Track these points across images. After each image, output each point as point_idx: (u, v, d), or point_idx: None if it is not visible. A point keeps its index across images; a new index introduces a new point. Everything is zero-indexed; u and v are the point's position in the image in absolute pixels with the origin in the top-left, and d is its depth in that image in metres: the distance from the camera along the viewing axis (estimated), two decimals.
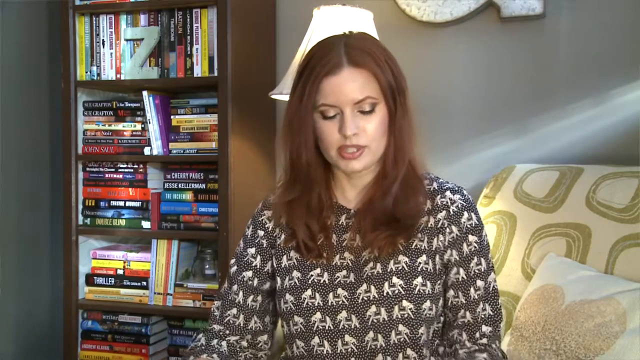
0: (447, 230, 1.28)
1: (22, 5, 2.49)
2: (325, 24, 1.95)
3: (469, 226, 1.28)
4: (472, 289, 1.28)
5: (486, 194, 1.94)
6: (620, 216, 1.68)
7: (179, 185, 2.27)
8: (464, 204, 1.30)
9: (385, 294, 1.24)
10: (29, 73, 2.54)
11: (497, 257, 1.82)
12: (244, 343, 1.36)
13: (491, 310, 1.28)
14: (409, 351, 1.24)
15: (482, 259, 1.29)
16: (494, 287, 1.30)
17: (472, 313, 1.28)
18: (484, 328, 1.28)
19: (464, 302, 1.28)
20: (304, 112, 1.25)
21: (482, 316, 1.28)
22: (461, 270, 1.28)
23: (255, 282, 1.36)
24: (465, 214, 1.29)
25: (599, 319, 1.48)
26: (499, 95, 2.17)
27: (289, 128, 1.28)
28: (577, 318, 1.50)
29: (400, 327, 1.23)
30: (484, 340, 1.27)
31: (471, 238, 1.28)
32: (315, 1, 2.04)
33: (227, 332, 1.35)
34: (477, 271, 1.28)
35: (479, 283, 1.28)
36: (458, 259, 1.28)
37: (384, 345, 1.24)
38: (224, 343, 1.34)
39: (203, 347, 1.33)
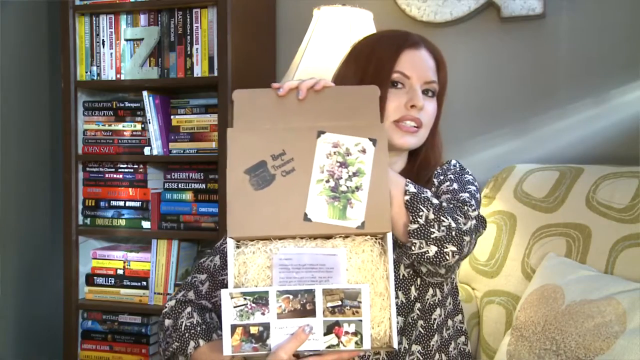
0: (435, 182, 1.29)
1: (22, 5, 2.49)
2: (325, 24, 1.95)
3: (446, 169, 1.30)
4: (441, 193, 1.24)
5: (486, 194, 1.94)
6: (620, 216, 1.68)
7: (179, 185, 2.27)
8: (449, 165, 1.33)
9: (401, 277, 1.24)
10: (29, 73, 2.54)
11: (497, 257, 1.82)
12: None
13: (458, 187, 1.23)
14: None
15: (455, 184, 1.24)
16: (463, 197, 1.19)
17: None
18: (443, 197, 1.21)
19: None
20: (384, 77, 1.25)
21: (444, 190, 1.23)
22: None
23: None
24: (451, 169, 1.31)
25: (599, 319, 1.48)
26: (499, 95, 2.17)
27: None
28: (577, 318, 1.50)
29: (418, 305, 1.24)
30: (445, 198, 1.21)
31: (450, 175, 1.28)
32: (315, 1, 2.04)
33: (214, 309, 1.30)
34: (444, 189, 1.23)
35: (447, 184, 1.24)
36: (435, 191, 1.26)
37: (402, 324, 1.24)
38: (215, 315, 1.29)
39: (204, 327, 1.24)
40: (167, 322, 1.27)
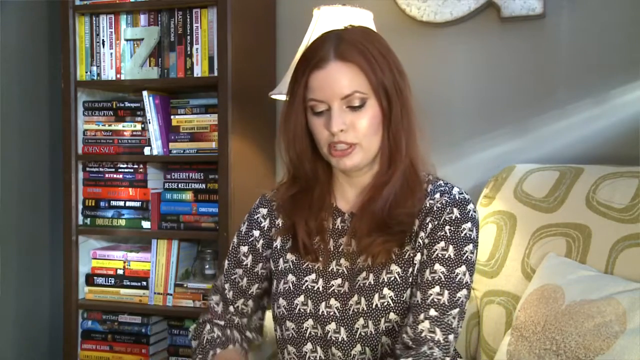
0: (429, 226, 1.23)
1: (22, 5, 2.49)
2: (325, 24, 1.95)
3: (447, 219, 1.22)
4: (427, 270, 1.20)
5: (486, 194, 1.94)
6: (620, 216, 1.68)
7: (179, 185, 2.27)
8: (449, 200, 1.24)
9: (374, 307, 1.22)
10: (29, 73, 2.54)
11: (497, 257, 1.82)
12: (244, 337, 1.39)
13: (448, 298, 1.18)
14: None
15: (450, 246, 1.20)
16: (460, 279, 1.19)
17: (423, 294, 1.19)
18: (432, 312, 1.17)
19: (418, 281, 1.21)
20: (293, 107, 1.25)
21: (434, 300, 1.18)
22: (425, 251, 1.22)
23: (245, 282, 1.36)
24: (447, 210, 1.23)
25: (599, 319, 1.48)
26: (499, 95, 2.17)
27: (282, 124, 1.28)
28: (577, 318, 1.50)
29: (384, 339, 1.22)
30: (426, 324, 1.17)
31: (446, 228, 1.22)
32: (315, 1, 2.04)
33: (231, 326, 1.37)
34: (440, 255, 1.20)
35: (438, 267, 1.19)
36: (427, 242, 1.22)
37: (371, 357, 1.22)
38: (235, 332, 1.37)
39: (223, 339, 1.34)
40: (194, 343, 1.37)
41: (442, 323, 1.17)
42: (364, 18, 1.99)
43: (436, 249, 1.21)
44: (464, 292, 1.20)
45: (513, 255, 1.79)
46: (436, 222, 1.23)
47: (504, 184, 1.92)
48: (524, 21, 2.12)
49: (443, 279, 1.19)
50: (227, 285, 1.37)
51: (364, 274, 1.24)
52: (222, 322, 1.37)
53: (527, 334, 1.57)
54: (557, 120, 2.11)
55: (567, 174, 1.84)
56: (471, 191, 2.07)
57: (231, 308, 1.37)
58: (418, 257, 1.23)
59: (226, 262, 1.39)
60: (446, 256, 1.20)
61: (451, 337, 1.18)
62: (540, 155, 2.10)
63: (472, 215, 1.24)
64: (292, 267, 1.30)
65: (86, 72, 2.31)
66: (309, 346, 1.25)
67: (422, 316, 1.18)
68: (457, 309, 1.19)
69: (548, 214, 1.79)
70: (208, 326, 1.37)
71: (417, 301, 1.19)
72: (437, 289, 1.18)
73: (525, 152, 2.13)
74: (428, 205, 1.25)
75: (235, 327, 1.37)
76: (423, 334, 1.17)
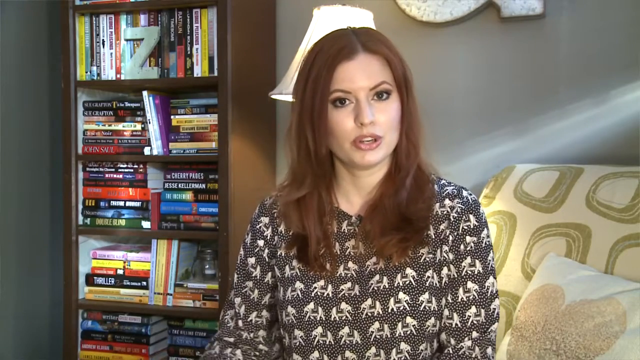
0: (450, 238, 1.24)
1: (22, 5, 2.49)
2: (325, 24, 1.95)
3: (465, 228, 1.23)
4: (460, 290, 1.23)
5: (486, 194, 1.94)
6: (620, 216, 1.68)
7: (179, 185, 2.27)
8: (463, 207, 1.25)
9: (390, 311, 1.20)
10: (29, 73, 2.54)
11: (497, 257, 1.82)
12: (256, 352, 1.35)
13: (485, 316, 1.22)
14: None
15: (477, 261, 1.23)
16: (492, 292, 1.23)
17: (461, 316, 1.22)
18: (474, 334, 1.22)
19: (451, 302, 1.23)
20: (320, 100, 1.19)
21: (474, 322, 1.22)
22: (452, 268, 1.23)
23: (256, 293, 1.33)
24: (464, 217, 1.24)
25: (599, 319, 1.48)
26: (499, 95, 2.17)
27: (304, 119, 1.21)
28: (577, 318, 1.50)
29: (402, 345, 1.19)
30: (468, 343, 1.21)
31: (468, 239, 1.23)
32: (315, 1, 2.04)
33: (240, 343, 1.34)
34: (469, 272, 1.22)
35: (470, 285, 1.22)
36: (452, 257, 1.23)
37: None
38: (238, 352, 1.33)
39: (216, 356, 1.32)
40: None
41: (483, 340, 1.22)
42: (364, 18, 1.99)
43: (464, 266, 1.23)
44: (496, 302, 1.25)
45: (513, 255, 1.79)
46: (456, 233, 1.24)
47: (504, 184, 1.92)
48: (524, 21, 2.12)
49: (477, 298, 1.22)
50: (238, 300, 1.34)
51: (377, 277, 1.23)
52: (231, 339, 1.34)
53: (527, 334, 1.57)
54: (557, 120, 2.11)
55: (567, 174, 1.84)
56: (471, 191, 2.07)
57: (240, 323, 1.34)
58: (445, 271, 1.23)
59: (235, 275, 1.36)
60: (475, 272, 1.23)
61: (489, 350, 1.23)
62: (540, 155, 2.11)
63: (485, 219, 1.27)
64: (299, 274, 1.27)
65: (86, 72, 2.31)
66: (315, 354, 1.23)
67: (466, 339, 1.22)
68: (496, 323, 1.24)
69: (548, 214, 1.79)
70: (215, 342, 1.36)
71: (457, 325, 1.22)
72: (473, 309, 1.22)
73: (525, 152, 2.13)
74: (440, 212, 1.25)
75: (243, 342, 1.34)
76: (461, 352, 1.22)
